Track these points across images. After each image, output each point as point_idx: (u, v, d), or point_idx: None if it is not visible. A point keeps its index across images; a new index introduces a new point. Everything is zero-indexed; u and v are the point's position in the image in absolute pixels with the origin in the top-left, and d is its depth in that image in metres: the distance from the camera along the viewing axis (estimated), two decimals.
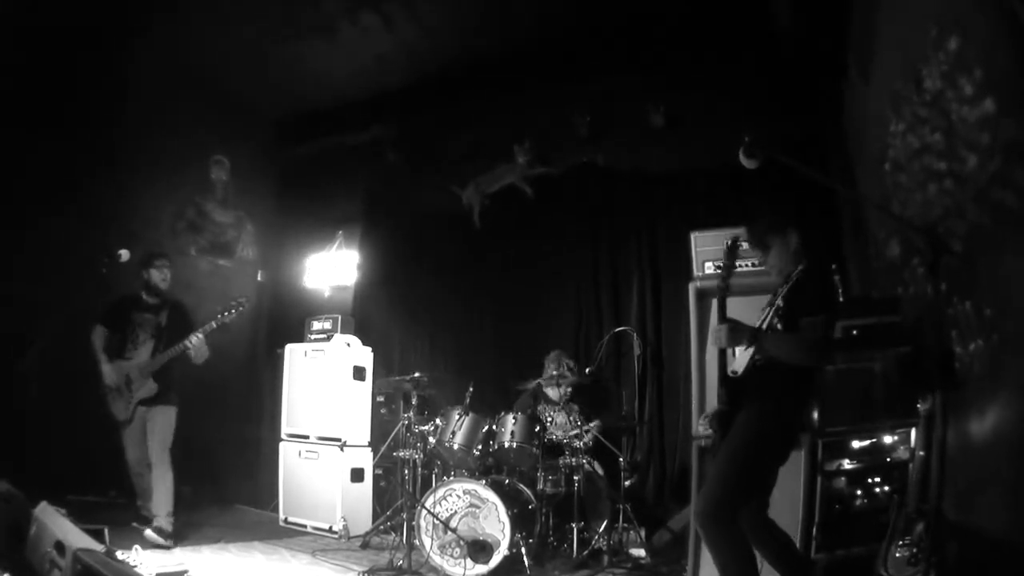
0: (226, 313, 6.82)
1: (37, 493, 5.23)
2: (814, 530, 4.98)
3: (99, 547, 4.34)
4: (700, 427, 4.56)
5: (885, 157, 5.97)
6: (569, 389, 7.63)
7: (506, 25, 8.69)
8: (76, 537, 4.39)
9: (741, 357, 4.25)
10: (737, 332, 4.18)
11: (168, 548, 6.41)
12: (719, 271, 4.65)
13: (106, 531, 4.85)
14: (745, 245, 4.59)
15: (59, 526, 4.64)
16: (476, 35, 8.93)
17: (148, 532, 6.42)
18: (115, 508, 7.31)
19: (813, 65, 7.49)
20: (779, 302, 4.20)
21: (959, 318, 4.55)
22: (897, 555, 4.12)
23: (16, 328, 7.00)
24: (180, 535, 6.74)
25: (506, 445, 6.62)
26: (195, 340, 6.68)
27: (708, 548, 4.07)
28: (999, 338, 4.08)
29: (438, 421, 6.96)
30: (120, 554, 4.51)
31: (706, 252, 6.12)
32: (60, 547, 4.31)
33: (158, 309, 7.09)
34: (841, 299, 4.91)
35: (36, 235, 7.62)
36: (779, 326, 4.13)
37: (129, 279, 7.13)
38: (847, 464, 5.18)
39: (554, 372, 7.58)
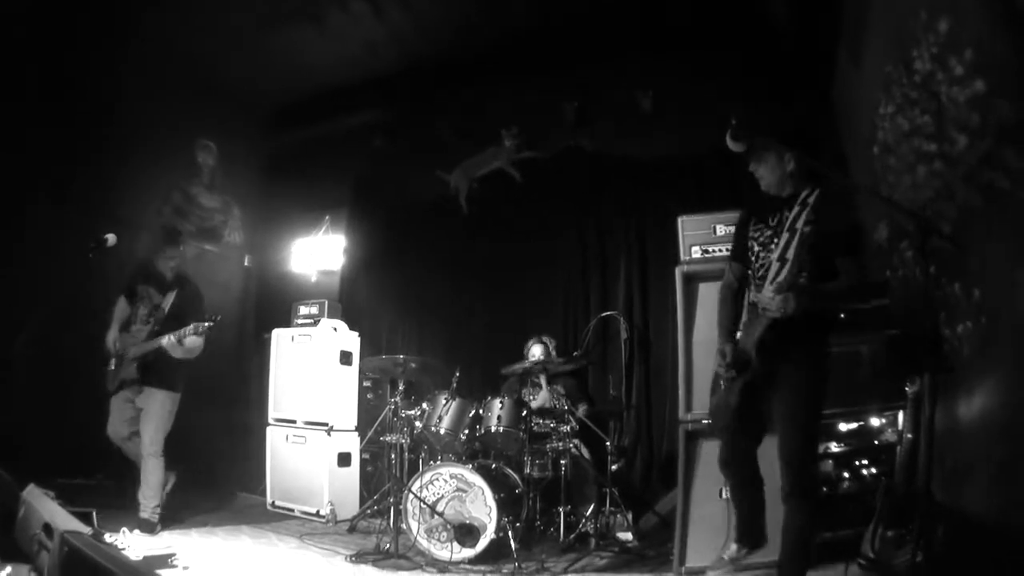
0: (200, 327, 6.59)
1: (25, 476, 5.21)
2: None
3: (87, 530, 4.32)
4: (718, 368, 4.36)
5: (874, 140, 5.96)
6: (544, 375, 7.64)
7: (494, 11, 8.63)
8: (64, 519, 4.37)
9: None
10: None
11: (144, 534, 6.35)
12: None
13: (94, 514, 4.81)
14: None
15: (47, 509, 4.63)
16: (464, 21, 8.86)
17: (135, 530, 6.31)
18: (103, 491, 7.25)
19: (803, 50, 7.47)
20: (803, 228, 4.07)
21: (948, 300, 4.55)
22: (887, 536, 4.12)
23: (4, 314, 6.95)
24: (169, 518, 6.73)
25: (493, 430, 6.59)
26: (166, 342, 6.57)
27: (799, 528, 4.05)
28: (988, 320, 4.07)
29: (425, 406, 6.94)
30: (108, 537, 4.51)
31: (693, 236, 6.06)
32: (48, 529, 4.28)
33: (165, 288, 6.96)
34: None
35: (22, 220, 7.58)
36: (805, 257, 4.03)
37: (116, 264, 7.08)
38: (834, 447, 5.20)
39: (540, 356, 7.60)
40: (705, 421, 5.35)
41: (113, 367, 6.80)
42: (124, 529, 5.34)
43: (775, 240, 4.16)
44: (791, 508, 4.03)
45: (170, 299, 6.88)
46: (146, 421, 6.67)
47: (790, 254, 4.03)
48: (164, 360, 6.67)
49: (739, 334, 4.35)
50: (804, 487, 4.01)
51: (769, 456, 4.28)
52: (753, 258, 4.29)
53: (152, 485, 6.56)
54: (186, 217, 10.21)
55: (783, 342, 4.04)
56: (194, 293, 7.09)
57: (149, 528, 6.42)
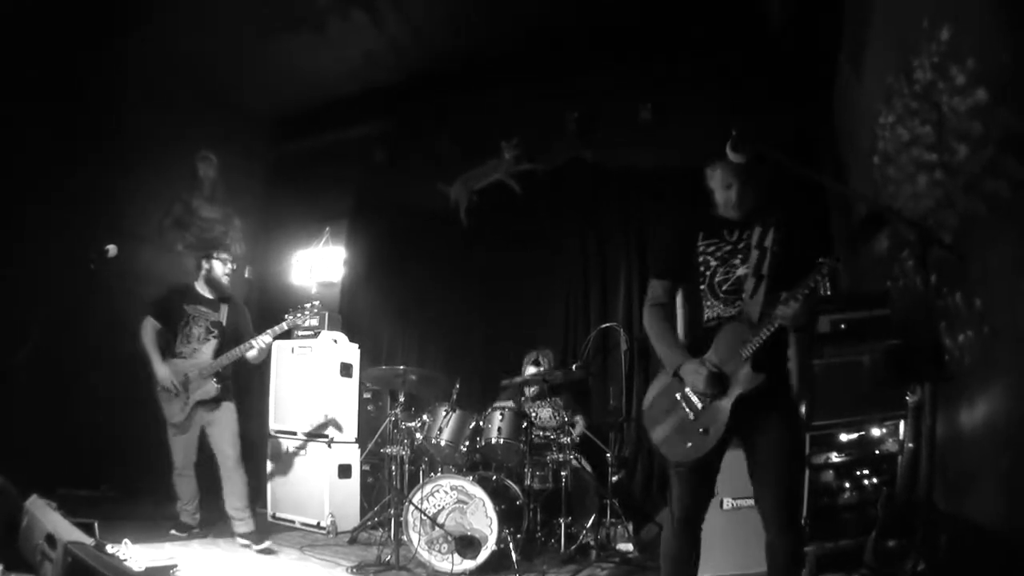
0: (297, 315, 6.72)
1: (28, 487, 5.19)
2: (803, 522, 4.97)
3: (89, 540, 4.32)
4: (690, 393, 3.88)
5: (875, 150, 5.97)
6: (542, 387, 7.65)
7: (494, 22, 8.67)
8: (66, 530, 4.37)
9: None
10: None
11: (261, 546, 6.53)
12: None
13: (96, 525, 4.81)
14: None
15: (50, 519, 4.62)
16: (464, 32, 8.91)
17: (239, 540, 6.59)
18: (105, 502, 7.28)
19: (804, 60, 7.50)
20: (774, 247, 3.95)
21: (949, 310, 4.54)
22: (889, 545, 4.11)
23: (6, 323, 6.93)
24: (169, 529, 6.73)
25: (493, 441, 6.58)
26: (265, 341, 6.56)
27: (794, 553, 3.80)
28: (990, 329, 4.07)
29: (425, 417, 6.93)
30: (110, 547, 4.49)
31: None
32: (51, 540, 4.29)
33: (215, 304, 6.88)
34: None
35: (24, 231, 7.57)
36: (764, 273, 3.90)
37: (117, 274, 7.06)
38: (835, 457, 5.18)
39: (533, 370, 7.63)
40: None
41: (178, 395, 6.55)
42: (126, 540, 5.33)
43: (739, 256, 4.02)
44: (784, 540, 3.76)
45: (224, 312, 6.86)
46: (225, 435, 6.66)
47: (766, 270, 3.92)
48: (228, 375, 6.73)
49: (711, 352, 3.93)
50: (797, 528, 3.85)
51: None
52: (708, 272, 4.07)
53: (244, 496, 6.65)
54: (187, 228, 10.22)
55: (771, 358, 3.87)
56: (241, 304, 7.14)
57: (257, 538, 6.55)
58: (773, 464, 3.76)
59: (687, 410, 3.91)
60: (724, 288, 4.00)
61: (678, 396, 3.96)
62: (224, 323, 6.81)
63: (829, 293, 5.74)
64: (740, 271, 3.97)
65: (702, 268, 4.07)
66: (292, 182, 11.28)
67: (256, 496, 8.34)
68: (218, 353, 6.62)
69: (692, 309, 4.17)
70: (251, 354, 6.56)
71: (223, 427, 6.65)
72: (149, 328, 6.68)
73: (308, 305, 6.76)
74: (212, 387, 6.55)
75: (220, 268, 6.87)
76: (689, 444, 3.85)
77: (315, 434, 8.00)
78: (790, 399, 3.98)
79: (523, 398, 7.82)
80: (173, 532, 6.65)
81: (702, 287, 4.06)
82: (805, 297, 3.64)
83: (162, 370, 6.53)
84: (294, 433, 8.18)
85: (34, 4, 7.43)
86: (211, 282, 6.87)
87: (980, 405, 4.25)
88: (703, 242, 4.12)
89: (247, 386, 10.02)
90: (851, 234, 3.71)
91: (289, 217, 11.23)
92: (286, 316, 6.72)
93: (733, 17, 7.77)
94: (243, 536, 6.54)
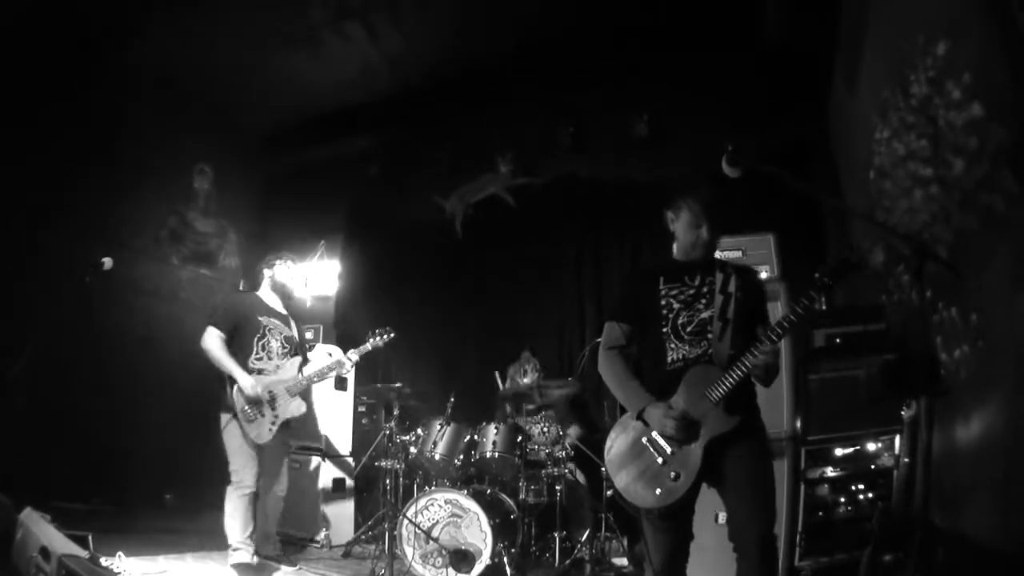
0: (381, 337, 6.55)
1: (22, 499, 5.20)
2: (798, 537, 4.97)
3: (83, 553, 4.34)
4: (658, 437, 3.80)
5: (871, 164, 5.98)
6: (537, 375, 7.71)
7: (489, 36, 8.72)
8: (61, 543, 4.38)
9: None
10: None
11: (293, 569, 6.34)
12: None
13: (90, 538, 4.80)
14: None
15: (44, 532, 4.64)
16: (459, 46, 8.95)
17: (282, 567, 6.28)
18: (99, 515, 7.26)
19: (800, 74, 7.52)
20: (736, 292, 3.97)
21: (944, 324, 4.55)
22: (884, 560, 4.10)
23: (2, 337, 6.92)
24: (163, 543, 6.69)
25: (488, 455, 6.58)
26: (354, 358, 6.40)
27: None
28: (986, 344, 4.07)
29: (419, 431, 6.93)
30: (104, 560, 4.49)
31: None
32: (45, 552, 4.29)
33: (286, 318, 6.42)
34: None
35: (20, 243, 7.56)
36: (730, 317, 3.90)
37: (113, 287, 7.03)
38: (830, 472, 5.18)
39: (525, 379, 7.63)
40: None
41: (262, 413, 5.98)
42: (120, 553, 5.32)
43: (702, 300, 4.00)
44: (756, 529, 3.64)
45: (294, 326, 6.47)
46: (285, 457, 6.38)
47: (731, 314, 3.91)
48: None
49: (678, 396, 3.84)
50: (771, 535, 3.68)
51: None
52: (671, 315, 4.01)
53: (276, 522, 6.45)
54: (182, 241, 10.23)
55: (743, 398, 3.83)
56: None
57: (283, 560, 6.38)
58: (745, 476, 3.71)
59: (655, 455, 3.83)
60: (688, 330, 3.95)
61: (644, 440, 3.89)
62: (296, 338, 6.46)
63: (824, 308, 5.76)
64: (704, 314, 3.95)
65: (664, 311, 4.03)
66: (287, 195, 11.31)
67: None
68: (301, 368, 6.31)
69: (653, 352, 4.06)
70: (344, 372, 6.40)
71: (286, 450, 6.43)
72: (216, 338, 6.00)
73: (386, 328, 6.60)
74: (299, 404, 6.16)
75: (285, 272, 6.48)
76: (659, 490, 3.78)
77: (309, 448, 7.96)
78: (762, 434, 3.92)
79: (519, 412, 7.80)
80: (262, 558, 6.10)
81: (665, 329, 4.00)
82: (779, 337, 3.63)
83: (247, 380, 5.89)
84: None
85: (32, 22, 7.44)
86: (277, 289, 6.48)
87: (976, 420, 4.25)
88: (665, 286, 4.09)
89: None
90: (820, 278, 3.59)
91: (284, 230, 11.23)
92: (368, 338, 6.56)
93: (729, 32, 7.80)
94: (270, 557, 6.22)
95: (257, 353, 6.12)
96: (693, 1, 7.75)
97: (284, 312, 6.44)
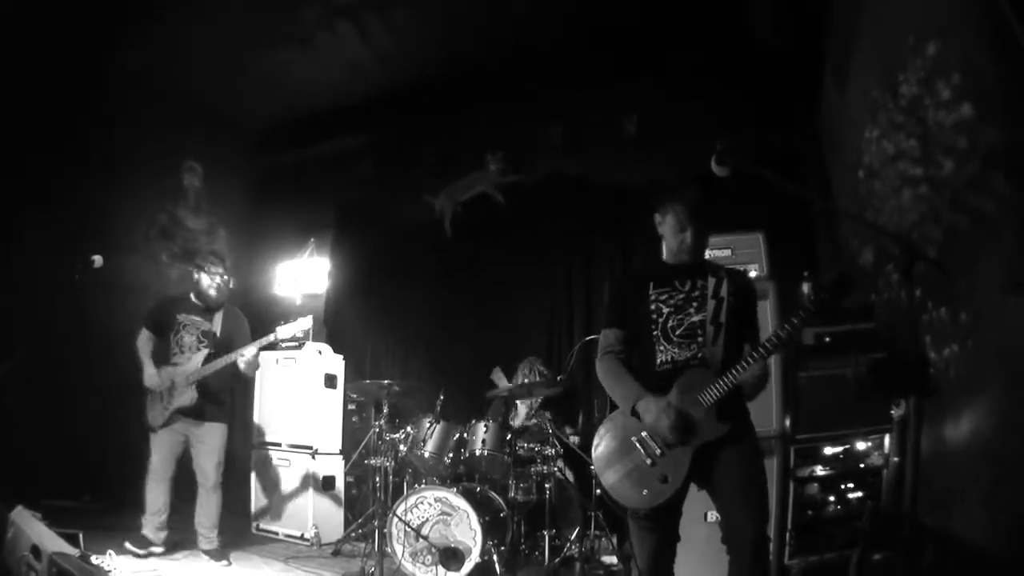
0: (286, 328, 6.58)
1: (12, 498, 5.19)
2: (787, 535, 4.98)
3: (74, 551, 4.33)
4: (648, 438, 3.81)
5: (860, 164, 5.99)
6: (539, 400, 7.64)
7: (480, 35, 8.69)
8: (51, 541, 4.37)
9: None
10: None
11: (220, 564, 6.44)
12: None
13: (80, 536, 4.80)
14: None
15: (35, 530, 4.62)
16: (450, 45, 8.93)
17: (201, 554, 6.52)
18: (89, 513, 7.25)
19: (790, 75, 7.52)
20: (728, 297, 3.97)
21: (934, 324, 4.56)
22: (873, 559, 4.11)
23: None
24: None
25: (477, 453, 6.56)
26: (249, 352, 6.43)
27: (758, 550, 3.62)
28: (975, 343, 4.09)
29: (409, 429, 6.93)
30: (95, 559, 4.49)
31: None
32: (36, 551, 4.30)
33: (208, 313, 6.80)
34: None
35: (8, 242, 7.55)
36: (722, 321, 3.91)
37: (103, 285, 7.00)
38: (820, 470, 5.20)
39: (525, 380, 7.59)
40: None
41: (161, 400, 6.50)
42: (110, 552, 5.31)
43: (693, 304, 3.99)
44: (749, 528, 3.63)
45: (218, 321, 6.78)
46: (209, 454, 6.55)
47: (723, 319, 3.91)
48: (212, 388, 6.60)
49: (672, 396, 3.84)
50: (764, 537, 3.67)
51: None
52: (660, 319, 4.02)
53: (214, 517, 6.56)
54: (172, 239, 10.20)
55: (735, 404, 3.82)
56: (238, 313, 7.02)
57: (220, 556, 6.48)
58: (737, 479, 3.70)
59: (644, 455, 3.83)
60: (678, 333, 3.95)
61: (634, 440, 3.89)
62: (218, 333, 6.73)
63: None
64: (696, 318, 3.94)
65: (654, 315, 4.03)
66: (277, 193, 11.27)
67: (240, 506, 8.34)
68: (206, 361, 6.52)
69: (643, 355, 4.08)
70: (240, 364, 6.44)
71: (210, 448, 6.56)
72: (143, 337, 6.73)
73: (299, 321, 6.66)
74: (191, 394, 6.45)
75: (207, 280, 6.74)
76: (645, 491, 3.78)
77: (299, 445, 7.95)
78: (752, 436, 3.89)
79: (513, 413, 7.81)
80: (128, 545, 6.37)
81: (655, 332, 4.00)
82: (768, 353, 3.64)
83: (150, 370, 6.55)
84: (278, 444, 8.13)
85: (24, 21, 7.41)
86: (199, 294, 6.77)
87: (965, 419, 4.26)
88: (654, 291, 4.09)
89: (231, 397, 10.06)
90: (817, 296, 3.56)
91: (274, 228, 11.23)
92: (275, 328, 6.64)
93: (719, 32, 7.80)
94: (205, 552, 6.48)
95: (172, 348, 6.64)
96: (683, 2, 7.75)
97: (205, 306, 6.81)
